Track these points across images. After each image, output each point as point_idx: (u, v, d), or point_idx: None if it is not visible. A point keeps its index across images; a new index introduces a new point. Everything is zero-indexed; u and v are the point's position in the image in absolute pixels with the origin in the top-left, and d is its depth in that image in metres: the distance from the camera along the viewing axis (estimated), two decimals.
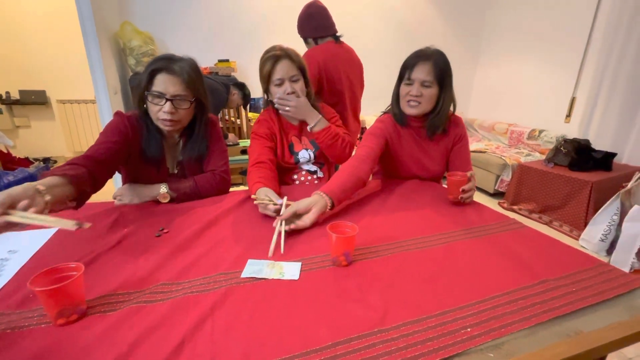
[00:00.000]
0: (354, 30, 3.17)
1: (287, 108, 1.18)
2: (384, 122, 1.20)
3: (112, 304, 0.56)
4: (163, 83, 0.94)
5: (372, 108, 2.83)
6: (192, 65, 0.99)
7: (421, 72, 1.07)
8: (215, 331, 0.50)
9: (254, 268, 0.67)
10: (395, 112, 1.19)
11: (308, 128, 1.23)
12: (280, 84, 1.17)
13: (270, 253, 0.72)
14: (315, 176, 1.34)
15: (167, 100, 0.94)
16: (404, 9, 3.62)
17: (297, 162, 1.30)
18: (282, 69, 1.15)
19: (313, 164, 1.32)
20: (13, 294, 0.58)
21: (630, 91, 2.56)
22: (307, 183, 1.33)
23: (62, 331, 0.50)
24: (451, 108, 1.16)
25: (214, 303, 0.56)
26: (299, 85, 1.19)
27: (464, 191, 0.99)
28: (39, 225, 0.58)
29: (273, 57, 1.15)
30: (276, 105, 1.20)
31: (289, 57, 1.16)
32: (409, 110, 1.13)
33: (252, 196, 0.94)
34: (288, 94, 1.17)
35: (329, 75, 1.63)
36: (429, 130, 1.17)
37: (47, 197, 0.64)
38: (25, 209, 0.58)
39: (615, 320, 0.54)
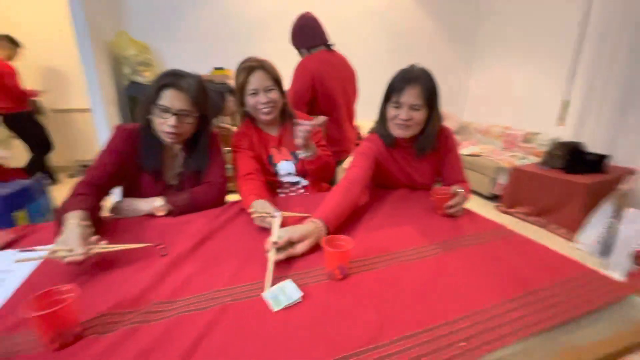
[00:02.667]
0: (347, 39, 3.20)
1: (301, 134, 1.09)
2: (374, 142, 1.17)
3: (107, 325, 0.55)
4: (170, 98, 0.98)
5: (366, 113, 2.84)
6: (199, 82, 1.03)
7: (410, 96, 1.03)
8: (211, 351, 0.50)
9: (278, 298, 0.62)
10: (383, 134, 1.15)
11: (302, 156, 1.20)
12: (255, 93, 1.18)
13: (266, 289, 0.65)
14: (299, 185, 1.32)
15: (172, 114, 0.98)
16: (397, 15, 3.66)
17: (277, 173, 1.29)
18: (257, 80, 1.16)
19: (295, 175, 1.30)
20: (6, 317, 0.57)
21: (621, 94, 2.59)
22: (293, 194, 1.31)
23: (57, 356, 0.49)
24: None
25: (210, 322, 0.56)
26: (273, 95, 1.19)
27: (450, 206, 1.00)
28: (120, 250, 0.76)
29: (248, 68, 1.16)
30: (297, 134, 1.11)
31: (263, 68, 1.17)
32: (398, 132, 1.10)
33: (250, 210, 0.94)
34: (263, 103, 1.18)
35: (323, 82, 1.65)
36: (419, 151, 1.15)
37: (92, 229, 0.79)
38: (97, 242, 0.74)
39: (610, 333, 0.55)
